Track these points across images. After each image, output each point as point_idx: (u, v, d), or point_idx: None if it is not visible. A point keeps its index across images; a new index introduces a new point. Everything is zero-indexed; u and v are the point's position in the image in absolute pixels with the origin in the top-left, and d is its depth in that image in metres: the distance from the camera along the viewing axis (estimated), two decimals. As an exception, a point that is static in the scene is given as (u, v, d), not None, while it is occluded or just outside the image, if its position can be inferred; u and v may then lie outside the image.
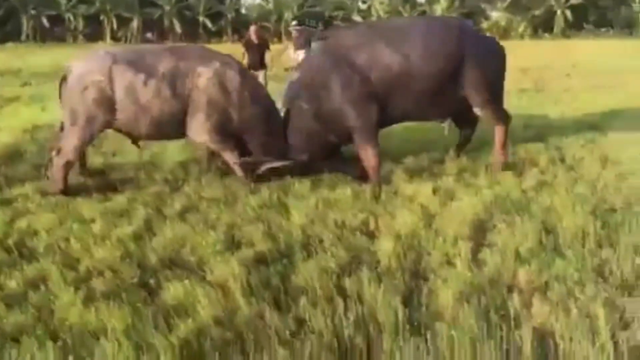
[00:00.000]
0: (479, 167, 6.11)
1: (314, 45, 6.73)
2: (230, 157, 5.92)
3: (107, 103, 5.62)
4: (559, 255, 3.55)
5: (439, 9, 49.62)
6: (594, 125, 8.25)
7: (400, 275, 3.42)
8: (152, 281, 3.50)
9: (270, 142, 6.02)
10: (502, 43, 6.73)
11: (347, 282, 3.31)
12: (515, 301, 2.99)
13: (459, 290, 3.11)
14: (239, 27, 49.46)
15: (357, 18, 50.32)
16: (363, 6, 53.56)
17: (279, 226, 4.42)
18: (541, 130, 7.85)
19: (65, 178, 5.63)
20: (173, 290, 3.32)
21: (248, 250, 3.93)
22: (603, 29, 52.55)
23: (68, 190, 5.56)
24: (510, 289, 3.18)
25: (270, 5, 51.56)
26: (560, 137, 7.44)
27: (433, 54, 5.81)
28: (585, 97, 11.53)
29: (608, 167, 5.95)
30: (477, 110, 6.18)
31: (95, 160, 6.71)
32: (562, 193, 4.97)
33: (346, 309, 3.00)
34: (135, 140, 6.22)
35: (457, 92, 5.99)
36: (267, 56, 10.05)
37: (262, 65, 9.86)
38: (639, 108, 9.57)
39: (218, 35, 50.06)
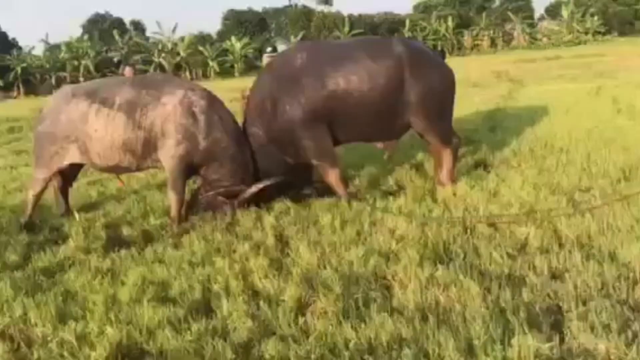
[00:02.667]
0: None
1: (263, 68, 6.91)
2: (175, 195, 5.83)
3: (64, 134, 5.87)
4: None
5: (237, 47, 50.82)
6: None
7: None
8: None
9: (239, 169, 5.98)
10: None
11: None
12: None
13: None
14: (30, 79, 45.92)
15: (157, 60, 49.43)
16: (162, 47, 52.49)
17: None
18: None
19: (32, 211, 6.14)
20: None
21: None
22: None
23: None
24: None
25: (65, 54, 48.27)
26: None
27: (373, 76, 5.78)
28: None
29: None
30: (423, 134, 6.24)
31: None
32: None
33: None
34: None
35: (404, 114, 5.97)
36: None
37: None
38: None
39: (5, 90, 45.45)
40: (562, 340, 2.86)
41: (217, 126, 5.87)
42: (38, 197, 6.20)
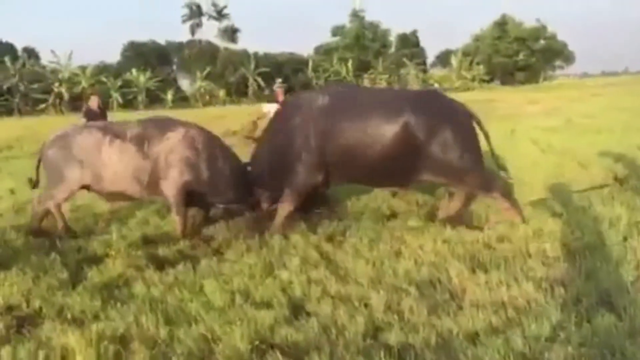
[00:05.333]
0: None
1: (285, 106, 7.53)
2: (179, 218, 6.49)
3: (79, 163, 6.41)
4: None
5: (142, 79, 50.15)
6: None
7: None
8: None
9: (238, 196, 6.81)
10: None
11: None
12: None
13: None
14: None
15: (57, 89, 47.54)
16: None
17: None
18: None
19: (41, 222, 6.69)
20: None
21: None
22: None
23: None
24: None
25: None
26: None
27: (380, 132, 5.97)
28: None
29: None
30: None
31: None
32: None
33: None
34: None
35: (418, 170, 6.09)
36: None
37: None
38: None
39: None
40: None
41: (216, 159, 6.64)
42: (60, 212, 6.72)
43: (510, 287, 4.28)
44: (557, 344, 3.36)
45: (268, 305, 4.26)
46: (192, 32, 64.82)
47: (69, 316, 4.20)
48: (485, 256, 5.08)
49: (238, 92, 57.85)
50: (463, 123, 6.18)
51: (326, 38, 70.47)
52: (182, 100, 54.66)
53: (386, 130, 5.94)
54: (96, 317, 4.18)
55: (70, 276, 5.15)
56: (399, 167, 6.10)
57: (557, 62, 74.60)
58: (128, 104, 49.50)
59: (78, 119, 9.97)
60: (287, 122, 6.49)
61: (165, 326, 3.92)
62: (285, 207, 6.46)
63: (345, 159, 6.15)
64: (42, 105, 47.70)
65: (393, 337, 3.61)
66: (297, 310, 4.17)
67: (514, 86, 60.93)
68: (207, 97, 52.36)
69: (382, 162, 6.04)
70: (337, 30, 69.71)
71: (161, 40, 66.44)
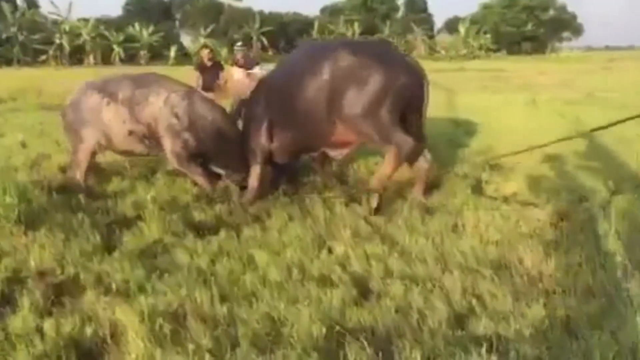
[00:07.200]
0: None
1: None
2: (196, 176, 6.38)
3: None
4: None
5: (145, 35, 49.08)
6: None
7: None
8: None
9: (234, 158, 6.45)
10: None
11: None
12: None
13: None
14: None
15: (58, 41, 46.48)
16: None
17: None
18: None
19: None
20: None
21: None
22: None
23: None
24: None
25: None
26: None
27: (310, 81, 5.75)
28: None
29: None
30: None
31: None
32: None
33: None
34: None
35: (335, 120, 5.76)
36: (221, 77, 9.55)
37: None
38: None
39: None
40: None
41: (202, 124, 6.30)
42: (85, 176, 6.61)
43: (595, 273, 3.90)
44: (676, 341, 3.00)
45: (330, 282, 3.88)
46: (196, -12, 63.37)
47: (113, 286, 3.80)
48: (554, 236, 4.70)
49: (241, 50, 56.68)
50: (390, 76, 5.53)
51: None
52: (184, 57, 53.59)
53: (309, 74, 5.76)
54: (142, 289, 3.79)
55: (103, 240, 4.74)
56: (320, 113, 5.75)
57: (565, 34, 73.52)
58: (130, 59, 48.46)
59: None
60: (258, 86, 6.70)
61: (222, 302, 3.54)
62: (254, 169, 6.31)
63: (283, 111, 6.03)
64: (43, 57, 46.70)
65: (482, 327, 3.23)
66: (363, 289, 3.79)
67: (520, 56, 60.06)
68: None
69: (305, 108, 5.78)
70: (346, -9, 68.28)
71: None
